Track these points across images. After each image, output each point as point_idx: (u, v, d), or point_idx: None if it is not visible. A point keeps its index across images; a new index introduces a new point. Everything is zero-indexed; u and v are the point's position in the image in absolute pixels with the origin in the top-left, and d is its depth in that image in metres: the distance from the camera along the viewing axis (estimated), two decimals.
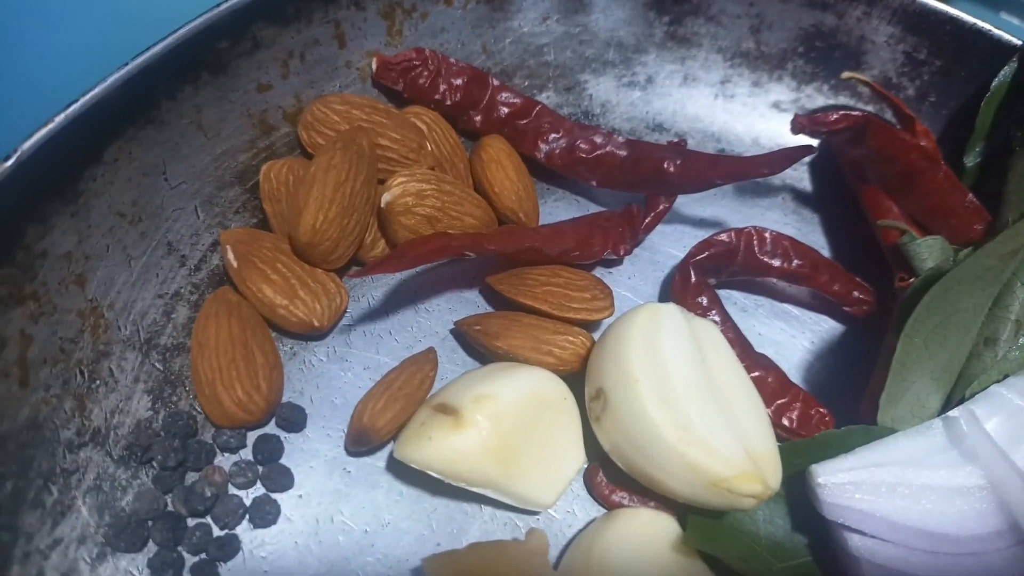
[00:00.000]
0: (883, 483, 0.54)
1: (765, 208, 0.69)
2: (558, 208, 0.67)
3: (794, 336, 0.65)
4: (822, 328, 0.65)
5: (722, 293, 0.65)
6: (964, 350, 0.56)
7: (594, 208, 0.67)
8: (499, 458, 0.51)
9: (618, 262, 0.65)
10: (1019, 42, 0.66)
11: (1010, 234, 0.50)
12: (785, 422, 0.59)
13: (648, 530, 0.52)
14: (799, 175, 0.71)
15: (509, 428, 0.52)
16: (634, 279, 0.65)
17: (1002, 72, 0.65)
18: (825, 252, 0.68)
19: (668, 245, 0.66)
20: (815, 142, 0.70)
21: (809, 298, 0.66)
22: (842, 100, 0.71)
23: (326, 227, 0.56)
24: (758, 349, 0.63)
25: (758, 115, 0.71)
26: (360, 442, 0.54)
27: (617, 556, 0.51)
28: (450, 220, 0.59)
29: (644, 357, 0.53)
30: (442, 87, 0.64)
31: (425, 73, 0.64)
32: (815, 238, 0.68)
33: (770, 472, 0.54)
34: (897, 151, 0.61)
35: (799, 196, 0.70)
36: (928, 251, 0.59)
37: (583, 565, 0.51)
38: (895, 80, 0.70)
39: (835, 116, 0.61)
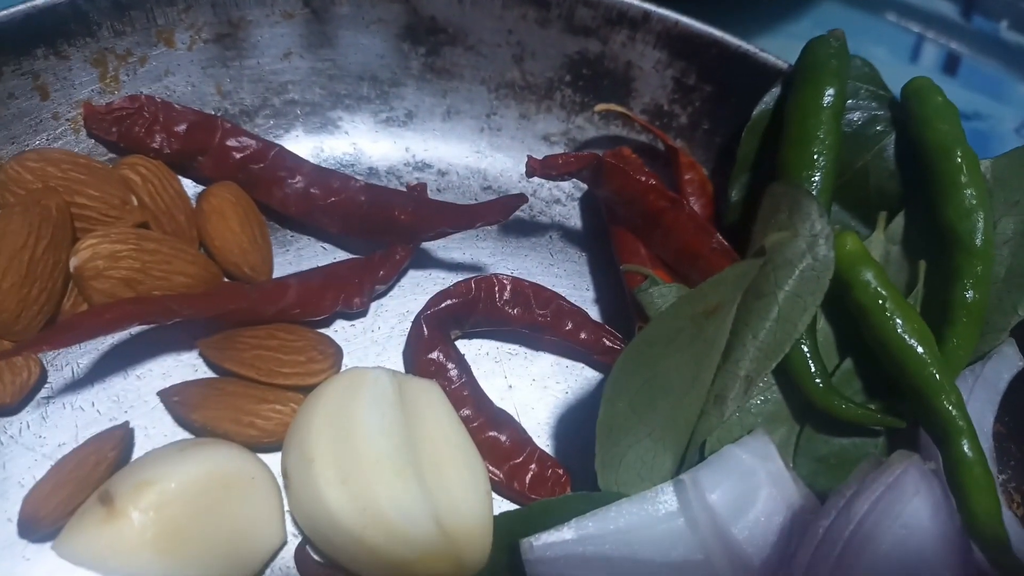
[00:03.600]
0: (597, 556, 0.50)
1: (530, 249, 0.65)
2: (301, 257, 0.63)
3: (547, 387, 0.61)
4: (582, 377, 0.61)
5: (474, 343, 0.62)
6: (690, 408, 0.52)
7: (343, 256, 0.63)
8: (162, 549, 0.47)
9: (362, 314, 0.62)
10: (785, 65, 0.62)
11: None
12: (516, 485, 0.55)
13: None
14: (568, 212, 0.67)
15: (174, 515, 0.48)
16: (378, 332, 0.61)
17: (763, 99, 0.61)
18: (591, 295, 0.64)
19: (420, 294, 0.62)
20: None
21: (567, 346, 0.62)
22: (613, 131, 0.67)
23: (1, 298, 0.52)
24: (507, 402, 0.59)
25: (527, 148, 0.67)
26: (27, 530, 0.50)
27: None
28: (154, 281, 0.55)
29: (328, 432, 0.50)
30: (159, 135, 0.60)
31: (140, 121, 0.60)
32: (581, 280, 0.64)
33: (470, 549, 0.50)
34: (635, 192, 0.57)
35: (567, 235, 0.66)
36: (662, 299, 0.55)
37: None
38: (667, 107, 0.66)
39: (563, 159, 0.56)
